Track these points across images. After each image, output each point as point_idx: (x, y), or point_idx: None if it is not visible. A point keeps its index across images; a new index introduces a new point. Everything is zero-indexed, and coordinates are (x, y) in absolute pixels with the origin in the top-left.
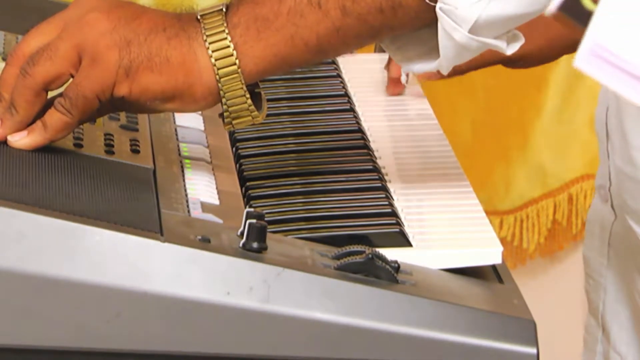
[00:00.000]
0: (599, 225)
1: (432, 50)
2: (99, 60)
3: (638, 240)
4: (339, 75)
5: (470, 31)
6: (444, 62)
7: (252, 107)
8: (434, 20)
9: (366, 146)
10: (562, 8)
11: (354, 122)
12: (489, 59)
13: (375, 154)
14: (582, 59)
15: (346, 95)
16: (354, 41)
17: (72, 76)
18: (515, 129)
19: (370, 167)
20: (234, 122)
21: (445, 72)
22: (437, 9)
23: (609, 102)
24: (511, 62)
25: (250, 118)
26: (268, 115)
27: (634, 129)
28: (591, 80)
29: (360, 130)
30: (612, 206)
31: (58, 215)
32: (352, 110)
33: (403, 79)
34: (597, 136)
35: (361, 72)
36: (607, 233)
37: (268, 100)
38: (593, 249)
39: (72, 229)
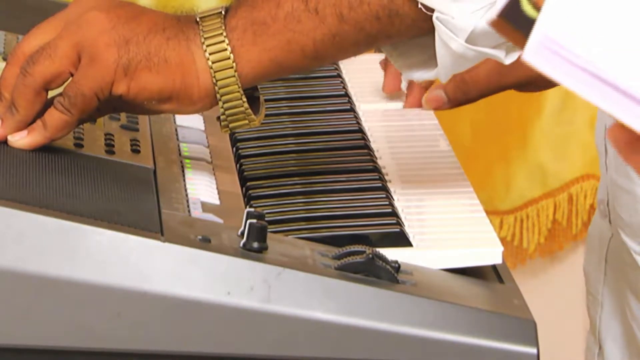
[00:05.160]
0: (598, 241)
1: (432, 58)
2: (97, 59)
3: (631, 255)
4: (339, 75)
5: (467, 40)
6: (442, 70)
7: (249, 111)
8: (432, 28)
9: (366, 146)
10: (503, 14)
11: (354, 122)
12: (502, 84)
13: (376, 154)
14: (531, 51)
15: (346, 95)
16: (350, 48)
17: (72, 75)
18: (515, 129)
19: (371, 167)
20: (230, 125)
21: (444, 81)
22: (433, 18)
23: (607, 116)
24: (523, 86)
25: (247, 121)
26: (268, 115)
27: None
28: None
29: (360, 130)
30: (609, 221)
31: (58, 215)
32: (352, 110)
33: (403, 86)
34: (597, 151)
35: (361, 72)
36: (604, 249)
37: (268, 100)
38: (592, 264)
39: (73, 229)
